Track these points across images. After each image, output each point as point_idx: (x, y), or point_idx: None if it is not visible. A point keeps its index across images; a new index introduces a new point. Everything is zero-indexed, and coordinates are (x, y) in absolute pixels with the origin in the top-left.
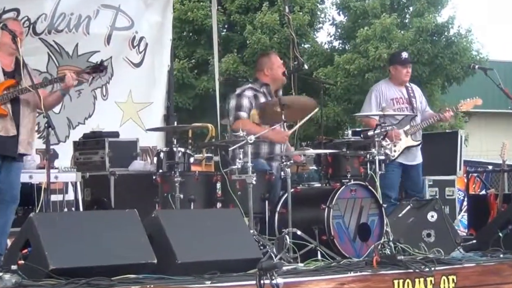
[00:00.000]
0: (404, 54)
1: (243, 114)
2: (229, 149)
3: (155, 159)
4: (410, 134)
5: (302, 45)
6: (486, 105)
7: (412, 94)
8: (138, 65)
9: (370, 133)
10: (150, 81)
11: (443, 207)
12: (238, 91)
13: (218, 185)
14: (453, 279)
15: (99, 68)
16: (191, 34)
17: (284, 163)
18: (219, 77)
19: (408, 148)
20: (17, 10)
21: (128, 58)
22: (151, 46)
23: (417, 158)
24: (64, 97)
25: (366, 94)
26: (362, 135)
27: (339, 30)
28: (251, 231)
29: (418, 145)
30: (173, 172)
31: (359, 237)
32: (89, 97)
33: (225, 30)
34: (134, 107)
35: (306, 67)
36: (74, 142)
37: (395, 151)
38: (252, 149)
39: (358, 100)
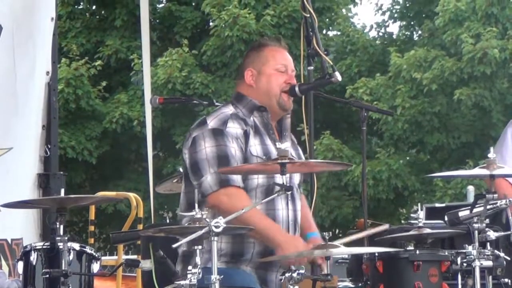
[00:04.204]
0: None
1: (234, 177)
2: (174, 245)
3: (20, 265)
4: None
5: (324, 31)
6: None
7: None
8: None
9: (464, 213)
10: (7, 105)
11: None
12: (213, 121)
13: None
14: None
15: None
16: (94, 8)
17: (286, 275)
18: (154, 96)
19: None
20: None
21: None
22: (9, 32)
23: None
24: None
25: (455, 132)
26: (447, 218)
27: (400, 0)
28: None
29: None
30: None
31: None
32: None
33: (164, 0)
34: None
35: (338, 77)
36: None
37: None
38: (229, 243)
39: (438, 143)
